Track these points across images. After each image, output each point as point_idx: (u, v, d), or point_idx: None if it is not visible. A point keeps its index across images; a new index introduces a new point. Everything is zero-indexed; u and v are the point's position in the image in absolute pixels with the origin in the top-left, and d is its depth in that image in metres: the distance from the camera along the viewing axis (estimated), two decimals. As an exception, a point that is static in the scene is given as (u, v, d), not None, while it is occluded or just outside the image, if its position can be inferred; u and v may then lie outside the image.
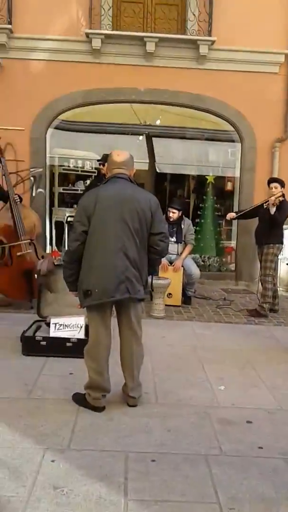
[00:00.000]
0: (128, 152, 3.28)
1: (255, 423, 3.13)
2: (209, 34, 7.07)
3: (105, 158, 5.95)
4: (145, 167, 8.10)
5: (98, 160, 6.13)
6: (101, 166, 6.08)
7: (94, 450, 2.69)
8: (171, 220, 6.09)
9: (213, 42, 7.05)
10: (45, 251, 7.07)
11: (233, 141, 7.80)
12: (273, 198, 5.74)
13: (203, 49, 7.05)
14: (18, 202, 5.59)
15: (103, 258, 3.02)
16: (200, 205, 8.45)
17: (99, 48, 7.03)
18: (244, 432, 3.01)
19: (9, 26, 6.89)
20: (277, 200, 5.72)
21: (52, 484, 2.35)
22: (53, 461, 2.56)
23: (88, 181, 8.26)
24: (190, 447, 2.78)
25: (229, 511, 2.22)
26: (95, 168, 8.25)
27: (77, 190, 8.41)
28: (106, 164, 3.29)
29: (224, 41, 7.06)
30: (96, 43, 6.98)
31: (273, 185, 5.94)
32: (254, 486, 2.43)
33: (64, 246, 8.18)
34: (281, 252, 6.15)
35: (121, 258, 3.04)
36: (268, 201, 5.80)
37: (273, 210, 5.72)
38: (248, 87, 7.28)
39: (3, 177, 5.63)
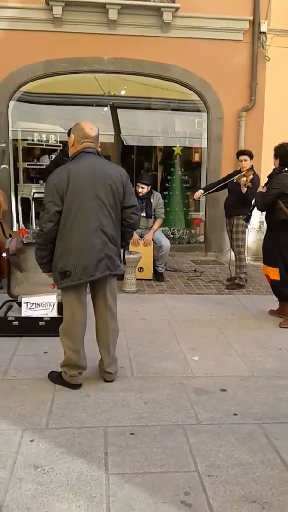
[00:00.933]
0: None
1: (229, 390, 3.21)
2: (173, 1, 6.93)
3: (69, 131, 5.81)
4: (111, 139, 7.97)
5: (68, 134, 5.91)
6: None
7: (72, 427, 2.71)
8: (140, 195, 6.02)
9: (177, 8, 6.89)
10: (12, 229, 6.93)
11: (199, 111, 7.75)
12: (244, 179, 5.59)
13: (167, 16, 6.90)
14: None
15: (80, 238, 2.95)
16: (168, 177, 8.41)
17: (60, 16, 6.78)
18: (219, 400, 3.08)
19: None
20: (248, 181, 5.59)
21: (33, 464, 2.36)
22: (32, 441, 2.57)
23: (53, 156, 8.07)
24: (167, 418, 2.83)
25: (208, 478, 2.29)
26: (60, 142, 8.08)
27: (42, 165, 8.21)
28: (70, 137, 3.11)
29: (188, 8, 6.92)
30: (57, 10, 6.73)
31: (242, 157, 5.86)
32: (231, 452, 2.51)
33: (31, 223, 8.04)
34: (249, 223, 6.19)
35: (99, 236, 3.00)
36: (237, 177, 5.72)
37: (244, 189, 5.63)
38: (213, 56, 7.20)
39: None
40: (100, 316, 3.22)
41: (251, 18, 7.21)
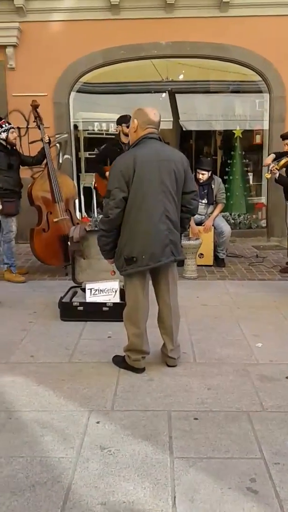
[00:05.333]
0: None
1: (295, 379, 3.13)
2: (232, -22, 6.69)
3: (121, 119, 5.81)
4: (169, 125, 7.91)
5: (117, 123, 5.92)
6: (121, 127, 5.82)
7: (137, 410, 2.75)
8: (200, 181, 5.92)
9: (235, -14, 6.67)
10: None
11: (260, 91, 7.51)
12: (272, 165, 5.31)
13: (226, -5, 6.69)
14: (55, 169, 5.59)
15: (147, 224, 2.97)
16: (228, 161, 8.23)
17: (117, 3, 6.77)
18: (284, 387, 3.01)
19: (27, -13, 6.69)
20: (269, 174, 5.33)
21: (99, 445, 2.43)
22: (98, 422, 2.64)
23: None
24: (231, 405, 2.81)
25: (274, 466, 2.25)
26: (115, 129, 8.12)
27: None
28: (133, 121, 3.07)
29: (247, -16, 6.68)
30: (115, -3, 6.72)
31: (286, 142, 5.59)
32: (298, 441, 2.45)
33: (93, 212, 8.18)
34: None
35: (165, 222, 3.01)
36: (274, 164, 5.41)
37: (275, 176, 5.36)
38: (274, 33, 6.93)
39: (43, 144, 5.57)
40: (163, 301, 3.23)
41: (314, -10, 6.85)
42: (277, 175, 5.36)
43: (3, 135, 5.32)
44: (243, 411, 2.74)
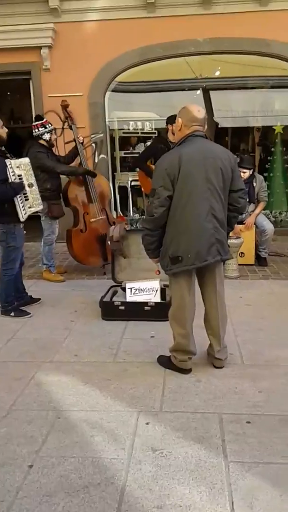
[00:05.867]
0: (202, 108, 3.11)
1: None
2: None
3: (171, 119, 5.75)
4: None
5: (167, 122, 5.86)
6: (171, 126, 5.79)
7: (186, 412, 2.69)
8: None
9: (276, -22, 6.51)
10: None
11: (301, 86, 7.29)
12: None
13: (265, -12, 6.55)
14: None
15: (193, 222, 2.91)
16: (268, 158, 8.05)
17: (153, 1, 6.70)
18: None
19: (61, -12, 6.72)
20: None
21: (150, 446, 2.38)
22: (147, 423, 2.59)
23: (148, 143, 8.09)
24: (284, 408, 2.70)
25: None
26: (155, 129, 8.08)
27: (139, 153, 8.27)
28: (178, 120, 3.03)
29: (288, -25, 6.50)
30: (150, -5, 6.67)
31: None
32: None
33: (128, 211, 8.16)
34: None
35: (211, 221, 2.93)
36: None
37: None
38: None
39: (76, 144, 5.56)
40: (210, 302, 3.16)
41: None
42: None
43: (47, 136, 5.34)
44: (298, 414, 2.63)
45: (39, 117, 5.48)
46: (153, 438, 2.45)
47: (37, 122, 5.38)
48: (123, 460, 2.28)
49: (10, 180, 4.05)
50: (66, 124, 5.66)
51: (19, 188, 4.13)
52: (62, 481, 2.13)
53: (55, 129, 5.48)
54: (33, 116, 7.38)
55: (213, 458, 2.27)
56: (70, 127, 5.58)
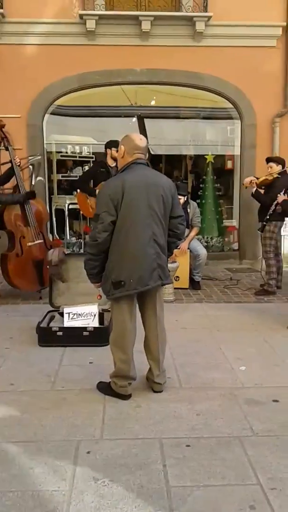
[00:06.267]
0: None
1: (281, 401, 3.14)
2: (205, 10, 6.93)
3: (110, 144, 5.87)
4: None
5: (106, 146, 5.97)
6: (110, 151, 5.91)
7: (127, 438, 2.69)
8: None
9: (209, 18, 6.92)
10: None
11: (231, 118, 7.73)
12: (246, 180, 5.95)
13: (200, 26, 6.93)
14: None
15: (135, 247, 2.97)
16: (200, 185, 8.37)
17: (93, 29, 6.89)
18: (272, 411, 3.02)
19: (1, 10, 6.69)
20: (249, 183, 5.88)
21: (92, 476, 2.35)
22: (88, 452, 2.56)
23: (86, 167, 8.15)
24: (222, 430, 2.79)
25: (272, 492, 2.23)
26: (93, 153, 8.17)
27: (76, 176, 8.29)
28: (120, 148, 3.11)
29: (221, 16, 6.94)
30: (91, 24, 6.84)
31: (268, 164, 5.91)
32: (292, 465, 2.44)
33: (65, 234, 8.11)
34: (281, 229, 6.09)
35: (153, 246, 3.01)
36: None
37: (252, 190, 5.87)
38: (246, 63, 7.17)
39: (12, 166, 5.45)
40: (150, 326, 3.21)
41: (284, 24, 7.16)
42: (254, 189, 5.81)
43: None
44: (235, 436, 2.72)
45: None
46: (94, 467, 2.42)
47: None
48: (65, 491, 2.23)
49: None
50: (2, 144, 5.57)
51: None
52: (0, 518, 2.06)
53: None
54: None
55: (155, 484, 2.29)
56: (6, 148, 5.49)
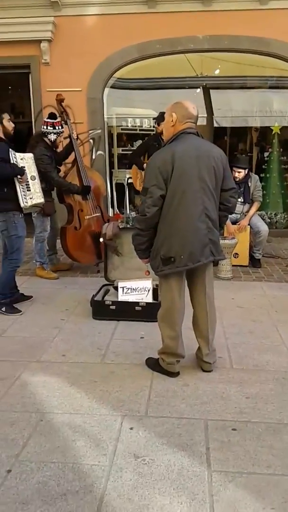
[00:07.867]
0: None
1: None
2: None
3: (161, 117, 5.70)
4: (203, 121, 7.72)
5: (153, 119, 5.85)
6: (157, 125, 5.80)
7: (172, 417, 2.64)
8: (236, 180, 5.70)
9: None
10: (108, 215, 7.01)
11: (300, 86, 7.24)
12: None
13: (266, -14, 6.47)
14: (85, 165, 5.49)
15: (186, 222, 2.83)
16: (265, 158, 7.99)
17: (154, -4, 6.64)
18: None
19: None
20: None
21: (133, 453, 2.33)
22: (131, 428, 2.54)
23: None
24: (272, 415, 2.66)
25: None
26: (154, 126, 8.01)
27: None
28: (172, 115, 2.93)
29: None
30: (151, -10, 6.59)
31: None
32: None
33: (125, 209, 8.09)
34: None
35: (204, 220, 2.87)
36: None
37: None
38: None
39: (71, 140, 5.45)
40: (199, 303, 3.10)
41: None
42: None
43: (53, 137, 5.26)
44: (285, 423, 2.58)
45: (53, 116, 5.32)
46: (136, 444, 2.40)
47: (48, 120, 5.28)
48: (104, 467, 2.23)
49: (12, 162, 4.12)
50: (60, 119, 5.58)
51: (19, 170, 4.17)
52: (40, 488, 2.08)
53: (63, 132, 5.37)
54: (32, 110, 7.35)
55: (196, 466, 2.23)
56: (65, 122, 5.49)
